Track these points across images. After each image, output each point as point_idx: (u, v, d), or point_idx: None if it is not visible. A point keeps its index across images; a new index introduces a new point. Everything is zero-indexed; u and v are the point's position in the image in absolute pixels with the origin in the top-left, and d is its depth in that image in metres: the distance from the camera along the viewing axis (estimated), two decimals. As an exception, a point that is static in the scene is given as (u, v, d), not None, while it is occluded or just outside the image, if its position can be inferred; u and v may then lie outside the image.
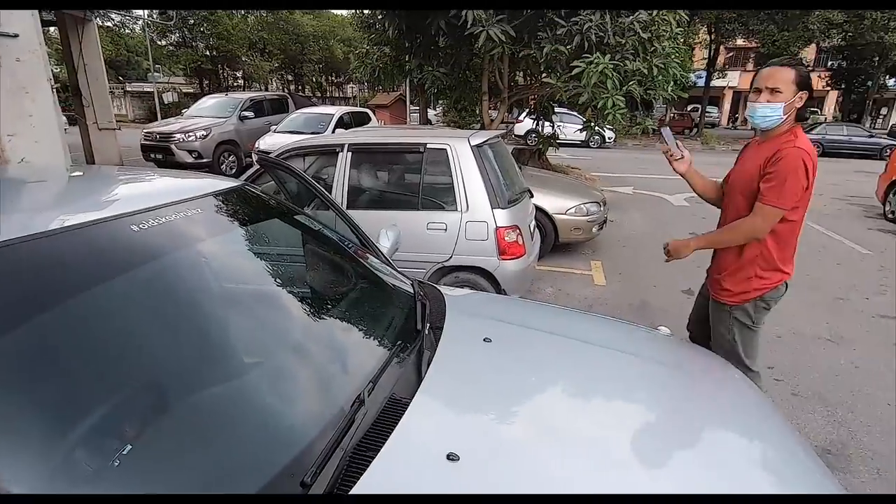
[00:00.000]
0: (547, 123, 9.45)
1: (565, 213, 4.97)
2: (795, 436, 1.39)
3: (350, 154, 3.40)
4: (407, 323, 1.48)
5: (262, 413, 1.04)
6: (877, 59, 20.49)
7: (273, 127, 10.14)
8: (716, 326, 2.09)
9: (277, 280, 1.41)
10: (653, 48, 6.12)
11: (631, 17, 5.93)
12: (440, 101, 10.03)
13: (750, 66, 29.17)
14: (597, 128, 7.07)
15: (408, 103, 21.99)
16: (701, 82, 24.11)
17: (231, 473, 0.90)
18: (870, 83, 22.90)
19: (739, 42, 25.03)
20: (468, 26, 5.67)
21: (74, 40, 8.25)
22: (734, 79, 32.29)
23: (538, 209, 4.63)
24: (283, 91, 30.75)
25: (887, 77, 24.05)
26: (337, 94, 41.13)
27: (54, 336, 0.90)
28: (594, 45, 5.87)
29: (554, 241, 5.04)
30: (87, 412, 0.88)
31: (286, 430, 1.00)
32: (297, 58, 33.34)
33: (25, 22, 3.65)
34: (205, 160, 9.52)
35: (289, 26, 31.33)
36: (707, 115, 26.31)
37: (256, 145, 9.11)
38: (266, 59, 32.71)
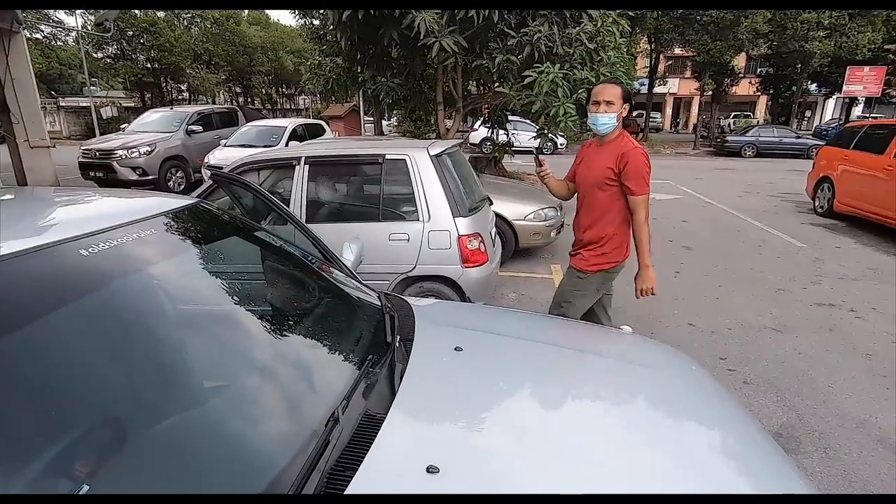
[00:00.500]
0: (501, 132, 9.63)
1: (524, 219, 5.07)
2: (753, 422, 1.46)
3: (307, 167, 3.34)
4: (377, 336, 1.46)
5: (231, 440, 1.00)
6: (799, 65, 22.12)
7: (223, 141, 9.83)
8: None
9: (239, 300, 1.36)
10: (599, 58, 6.37)
11: (577, 28, 6.16)
12: (395, 112, 10.03)
13: (687, 74, 30.87)
14: (550, 135, 7.27)
15: (362, 114, 21.88)
16: (644, 89, 25.33)
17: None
18: (794, 88, 24.69)
19: (678, 51, 26.45)
20: (421, 37, 5.71)
21: (0, 53, 7.73)
22: (674, 85, 34.24)
23: (498, 216, 4.70)
24: (232, 104, 29.92)
25: (809, 82, 26.01)
26: (288, 106, 40.42)
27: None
28: (544, 55, 6.05)
29: (514, 246, 5.13)
30: (40, 450, 0.82)
31: (258, 456, 0.97)
32: (246, 70, 32.59)
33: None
34: (150, 177, 9.11)
35: (235, 38, 30.61)
36: (651, 120, 27.62)
37: (206, 160, 8.81)
38: (212, 71, 31.77)
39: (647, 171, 2.28)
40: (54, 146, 8.62)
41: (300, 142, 9.10)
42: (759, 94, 30.04)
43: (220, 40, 30.10)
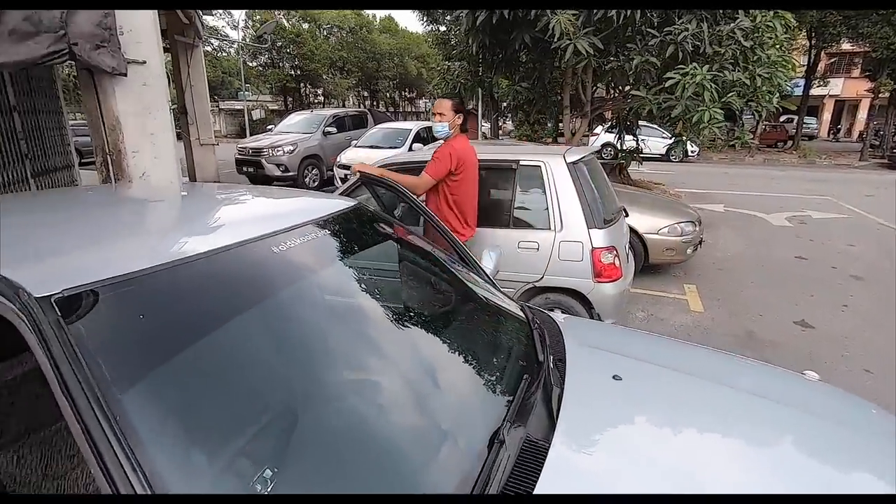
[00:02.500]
0: (629, 137, 9.07)
1: (657, 233, 4.69)
2: None
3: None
4: (527, 354, 1.40)
5: (393, 451, 1.00)
6: None
7: (353, 142, 10.53)
8: None
9: (397, 304, 1.39)
10: (756, 57, 5.69)
11: (732, 25, 5.56)
12: (517, 115, 9.95)
13: (855, 73, 26.47)
14: (686, 141, 6.66)
15: (479, 117, 22.10)
16: (799, 91, 22.21)
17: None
18: None
19: (846, 47, 22.84)
20: (554, 40, 5.57)
21: (184, 64, 9.08)
22: (836, 87, 29.38)
23: (630, 229, 4.39)
24: (360, 106, 32.12)
25: None
26: (410, 109, 42.29)
27: (216, 357, 0.92)
28: (689, 55, 5.56)
29: (643, 262, 4.77)
30: (240, 432, 0.88)
31: (429, 466, 0.95)
32: (373, 75, 34.73)
33: (152, 50, 4.02)
34: (290, 173, 10.06)
35: (367, 45, 32.78)
36: (805, 126, 24.19)
37: (338, 159, 9.50)
38: (345, 76, 34.37)
39: (443, 160, 2.81)
40: (218, 144, 9.92)
41: (423, 144, 9.44)
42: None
43: (354, 48, 32.46)
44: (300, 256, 1.22)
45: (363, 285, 1.38)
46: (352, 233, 1.51)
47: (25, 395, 1.24)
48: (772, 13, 5.73)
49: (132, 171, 4.07)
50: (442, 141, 2.95)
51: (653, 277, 4.96)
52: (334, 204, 1.59)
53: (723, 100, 5.47)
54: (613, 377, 1.32)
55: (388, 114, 31.16)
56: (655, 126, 13.80)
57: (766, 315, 4.11)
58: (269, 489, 0.81)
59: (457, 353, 1.35)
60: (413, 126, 10.56)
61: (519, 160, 3.24)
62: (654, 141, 14.36)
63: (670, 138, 9.91)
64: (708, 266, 5.43)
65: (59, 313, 0.78)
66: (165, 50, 9.50)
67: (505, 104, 8.27)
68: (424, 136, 10.20)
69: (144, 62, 4.00)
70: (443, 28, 13.51)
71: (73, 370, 0.73)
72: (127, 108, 3.91)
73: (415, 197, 2.17)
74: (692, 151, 16.57)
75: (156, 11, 3.97)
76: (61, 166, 6.69)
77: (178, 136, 10.22)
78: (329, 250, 1.39)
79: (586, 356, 1.45)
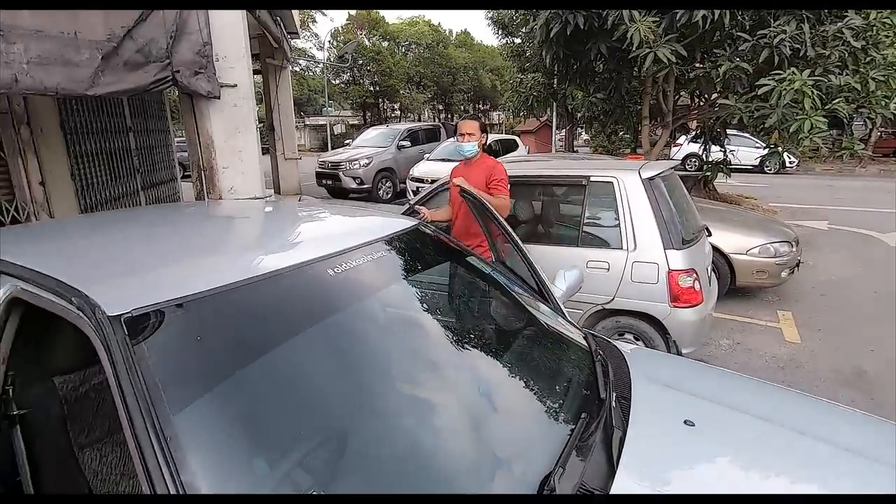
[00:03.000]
0: (716, 148, 8.46)
1: (746, 254, 4.29)
2: None
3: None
4: (588, 388, 1.31)
5: (449, 478, 0.96)
6: None
7: (426, 155, 10.75)
8: None
9: (453, 327, 1.36)
10: (868, 59, 5.08)
11: (839, 24, 5.01)
12: (592, 126, 9.64)
13: None
14: (783, 152, 6.08)
15: (553, 129, 21.75)
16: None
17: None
18: None
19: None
20: (633, 49, 5.33)
21: (273, 84, 9.78)
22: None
23: (713, 248, 4.06)
24: (435, 120, 32.82)
25: None
26: (484, 122, 42.54)
27: (267, 380, 0.94)
28: (786, 58, 5.08)
29: (729, 284, 4.38)
30: (286, 456, 0.89)
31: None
32: (448, 88, 35.40)
33: (243, 74, 4.36)
34: (366, 186, 10.45)
35: (443, 60, 33.53)
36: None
37: (411, 172, 9.73)
38: (421, 91, 35.35)
39: (506, 178, 2.88)
40: (301, 158, 10.54)
41: (496, 157, 9.41)
42: None
43: (430, 63, 33.34)
44: (359, 276, 1.23)
45: (419, 306, 1.37)
46: (412, 252, 1.51)
47: (109, 398, 1.34)
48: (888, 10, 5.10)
49: (222, 186, 4.40)
50: (470, 158, 2.97)
51: (740, 301, 4.54)
52: (396, 223, 1.60)
53: (827, 107, 4.93)
54: (685, 422, 1.19)
55: (462, 126, 31.48)
56: (747, 135, 12.78)
57: (878, 350, 3.60)
58: None
59: (511, 383, 1.29)
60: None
61: (590, 176, 3.11)
62: (746, 151, 13.26)
63: (764, 148, 9.12)
64: (807, 291, 4.88)
65: (126, 332, 0.83)
66: (256, 72, 10.30)
67: (579, 116, 8.02)
68: (496, 149, 10.19)
69: (235, 85, 4.33)
70: (517, 40, 13.50)
71: (132, 387, 0.77)
72: (219, 128, 4.25)
73: (501, 218, 2.15)
74: (790, 162, 15.12)
75: (247, 38, 4.28)
76: (166, 179, 7.42)
77: (266, 151, 11.02)
78: (389, 269, 1.40)
79: (655, 395, 1.33)
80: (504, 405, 1.21)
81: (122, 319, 0.85)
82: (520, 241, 2.00)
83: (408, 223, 1.64)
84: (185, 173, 10.39)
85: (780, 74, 4.89)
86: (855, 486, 1.09)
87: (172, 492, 0.69)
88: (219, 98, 4.16)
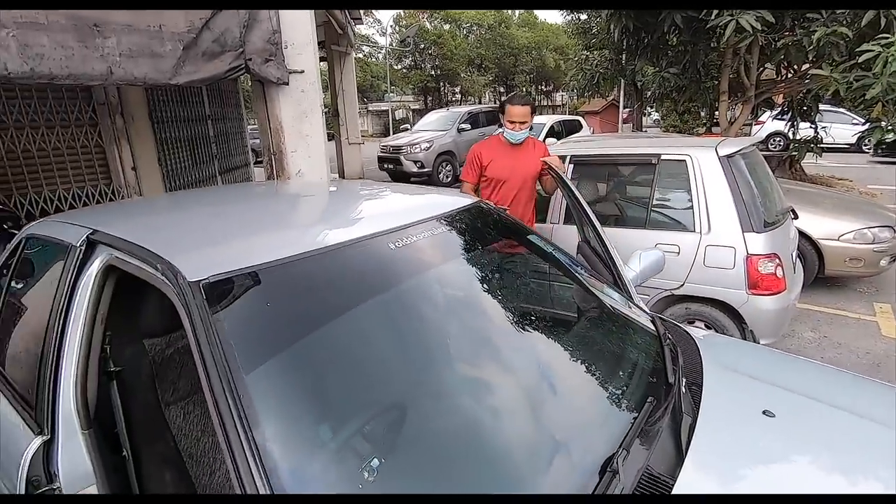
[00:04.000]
0: (805, 125, 7.70)
1: (838, 239, 3.90)
2: None
3: (572, 166, 3.23)
4: (655, 373, 1.25)
5: (506, 455, 0.96)
6: None
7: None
8: None
9: (515, 310, 1.34)
10: None
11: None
12: (664, 104, 9.10)
13: None
14: (889, 128, 5.42)
15: (620, 109, 20.76)
16: None
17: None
18: None
19: None
20: (712, 17, 4.93)
21: (337, 71, 10.02)
22: None
23: (799, 233, 3.73)
24: (495, 103, 32.37)
25: None
26: (546, 103, 41.44)
27: (333, 345, 0.97)
28: (895, 20, 4.49)
29: (817, 272, 4.01)
30: (351, 420, 0.92)
31: (531, 482, 0.90)
32: (510, 70, 34.69)
33: (309, 60, 4.49)
34: (426, 170, 10.53)
35: (504, 41, 32.84)
36: None
37: (470, 155, 9.68)
38: (482, 73, 34.90)
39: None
40: (364, 143, 10.79)
41: (557, 139, 9.15)
42: None
43: (492, 44, 32.77)
44: (420, 251, 1.24)
45: (480, 283, 1.36)
46: (472, 230, 1.49)
47: (193, 360, 1.45)
48: None
49: (290, 169, 4.60)
50: (521, 142, 2.72)
51: (829, 292, 4.15)
52: (456, 201, 1.59)
53: (944, 74, 4.33)
54: (764, 413, 1.11)
55: (524, 108, 30.82)
56: (843, 110, 11.54)
57: None
58: (373, 478, 0.83)
59: (572, 362, 1.25)
60: (546, 120, 10.31)
61: (660, 154, 2.93)
62: (841, 129, 11.96)
63: (863, 124, 8.15)
64: (910, 282, 4.37)
65: (204, 296, 0.89)
66: (322, 59, 10.60)
67: (649, 93, 7.57)
68: (559, 130, 9.90)
69: (303, 71, 4.47)
70: (583, 16, 12.92)
71: (209, 347, 0.82)
72: (287, 113, 4.42)
73: (580, 196, 2.11)
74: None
75: (314, 25, 4.41)
76: (241, 164, 7.86)
77: (330, 136, 11.37)
78: (450, 245, 1.40)
79: (729, 383, 1.24)
80: (564, 387, 1.18)
81: (201, 285, 0.91)
82: (598, 224, 1.94)
83: (469, 200, 1.62)
84: (257, 159, 10.96)
85: (888, 38, 4.34)
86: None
87: (245, 446, 0.73)
88: (287, 84, 4.32)
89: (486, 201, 1.72)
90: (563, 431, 1.04)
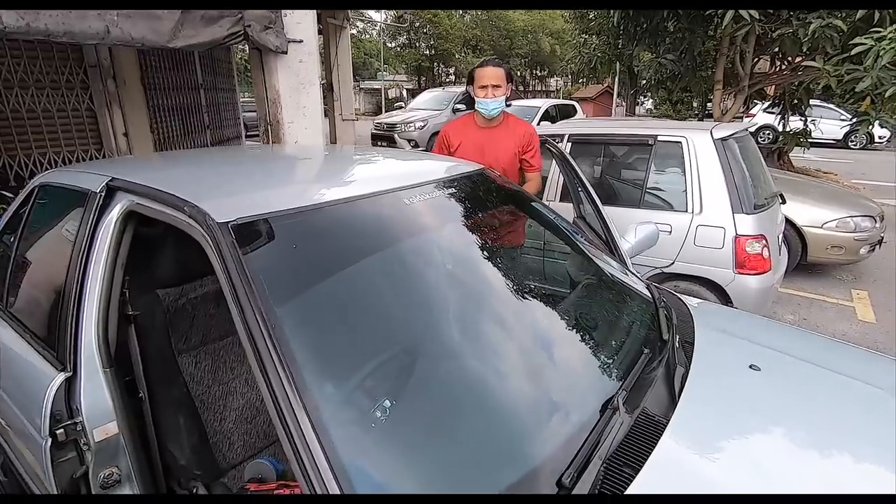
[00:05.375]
0: (795, 117, 7.83)
1: (822, 227, 4.03)
2: None
3: (570, 144, 3.29)
4: (651, 330, 1.32)
5: (511, 399, 1.02)
6: None
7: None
8: None
9: (520, 267, 1.40)
10: None
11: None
12: (657, 93, 9.15)
13: None
14: (877, 122, 5.56)
15: (615, 95, 20.78)
16: None
17: (483, 460, 0.89)
18: None
19: None
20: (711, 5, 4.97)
21: (333, 45, 9.86)
22: None
23: (785, 220, 3.84)
24: (489, 86, 32.04)
25: None
26: (540, 88, 41.24)
27: (352, 287, 1.02)
28: (889, 14, 4.58)
29: (800, 259, 4.14)
30: (369, 358, 0.97)
31: (537, 424, 0.97)
32: (505, 53, 34.34)
33: (309, 30, 4.44)
34: (420, 149, 10.50)
35: (500, 22, 32.47)
36: None
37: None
38: (477, 55, 34.52)
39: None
40: (358, 119, 10.69)
41: (552, 122, 9.17)
42: None
43: (487, 25, 32.38)
44: (429, 210, 1.29)
45: (485, 244, 1.41)
46: (475, 195, 1.54)
47: (203, 312, 1.49)
48: None
49: (287, 140, 4.57)
50: (492, 118, 2.29)
51: (809, 277, 4.30)
52: (463, 166, 1.64)
53: (933, 69, 4.44)
54: (750, 366, 1.19)
55: (520, 92, 30.71)
56: (831, 105, 11.71)
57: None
58: (385, 418, 0.89)
59: (575, 319, 1.32)
60: (542, 104, 10.30)
61: (657, 135, 3.00)
62: (829, 124, 12.17)
63: (850, 119, 8.29)
64: (888, 271, 4.54)
65: (234, 236, 0.93)
66: (318, 32, 10.40)
67: (644, 80, 7.62)
68: (553, 115, 9.90)
69: (301, 41, 4.42)
70: None
71: (241, 282, 0.87)
72: (285, 83, 4.38)
73: (579, 170, 2.16)
74: (880, 137, 13.78)
75: (313, -7, 4.34)
76: (233, 136, 7.76)
77: (325, 112, 11.23)
78: (456, 208, 1.45)
79: (719, 341, 1.33)
80: (565, 339, 1.25)
81: (230, 226, 0.95)
82: (597, 198, 2.01)
83: (474, 167, 1.67)
84: (248, 133, 10.80)
85: (880, 32, 4.43)
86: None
87: (280, 373, 0.78)
88: (286, 53, 4.27)
89: (490, 169, 1.77)
90: (566, 376, 1.12)
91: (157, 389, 1.30)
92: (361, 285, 1.05)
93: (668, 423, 0.97)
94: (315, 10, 4.53)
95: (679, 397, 1.05)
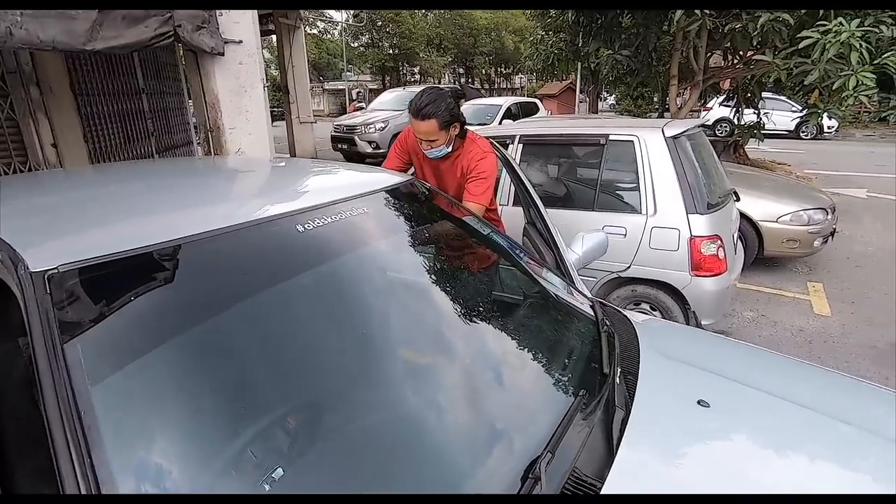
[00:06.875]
0: (749, 111, 7.96)
1: (776, 221, 4.03)
2: None
3: (521, 146, 3.15)
4: (589, 362, 1.18)
5: (419, 458, 0.86)
6: None
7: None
8: None
9: (437, 292, 1.23)
10: (928, 6, 4.59)
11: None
12: (617, 89, 9.19)
13: None
14: (825, 114, 5.65)
15: (577, 92, 20.95)
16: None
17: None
18: None
19: None
20: None
21: (286, 45, 9.53)
22: None
23: (740, 215, 3.82)
24: (455, 84, 31.97)
25: None
26: (505, 86, 41.38)
27: (211, 346, 0.83)
28: (833, 8, 4.63)
29: (757, 253, 4.14)
30: (252, 419, 0.80)
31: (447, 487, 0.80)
32: (469, 51, 34.34)
33: (248, 30, 4.18)
34: (381, 150, 10.25)
35: (464, 21, 32.42)
36: None
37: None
38: (441, 54, 34.37)
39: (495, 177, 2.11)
40: (316, 122, 10.38)
41: (513, 120, 9.08)
42: None
43: (451, 24, 32.27)
44: (327, 238, 1.11)
45: (406, 266, 1.25)
46: (400, 209, 1.37)
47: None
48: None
49: (229, 147, 4.30)
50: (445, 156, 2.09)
51: (767, 272, 4.31)
52: (385, 178, 1.46)
53: (875, 62, 4.51)
54: (699, 402, 1.06)
55: (482, 90, 30.73)
56: (783, 98, 12.03)
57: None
58: (274, 489, 0.72)
59: (499, 353, 1.17)
60: (503, 101, 10.22)
61: (608, 134, 2.89)
62: (781, 115, 12.49)
63: (801, 111, 8.49)
64: (841, 261, 4.60)
65: (48, 290, 0.73)
66: (270, 32, 10.03)
67: (603, 75, 7.59)
68: (515, 112, 9.83)
69: (241, 41, 4.15)
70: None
71: (45, 349, 0.67)
72: (224, 86, 4.11)
73: (524, 177, 2.02)
74: (829, 127, 14.28)
75: (251, -10, 4.09)
76: (182, 143, 7.36)
77: (281, 115, 10.85)
78: (371, 227, 1.27)
79: (665, 371, 1.19)
80: (489, 378, 1.09)
81: (46, 276, 0.75)
82: (542, 206, 1.86)
83: (399, 178, 1.50)
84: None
85: (825, 25, 4.47)
86: (879, 468, 0.95)
87: (79, 474, 0.59)
88: (223, 55, 4.01)
89: (418, 180, 1.60)
90: (485, 429, 0.96)
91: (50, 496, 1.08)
92: (224, 342, 0.86)
93: (601, 488, 0.82)
94: (255, 10, 4.27)
95: (616, 451, 0.90)
